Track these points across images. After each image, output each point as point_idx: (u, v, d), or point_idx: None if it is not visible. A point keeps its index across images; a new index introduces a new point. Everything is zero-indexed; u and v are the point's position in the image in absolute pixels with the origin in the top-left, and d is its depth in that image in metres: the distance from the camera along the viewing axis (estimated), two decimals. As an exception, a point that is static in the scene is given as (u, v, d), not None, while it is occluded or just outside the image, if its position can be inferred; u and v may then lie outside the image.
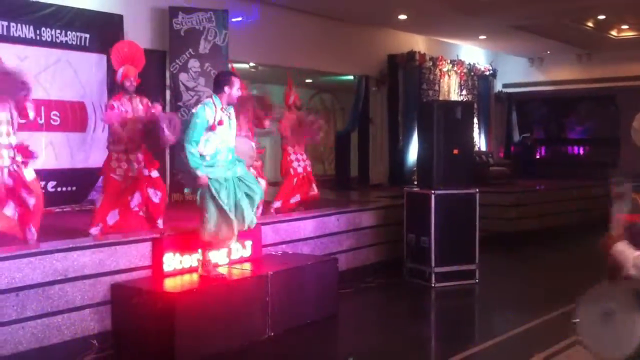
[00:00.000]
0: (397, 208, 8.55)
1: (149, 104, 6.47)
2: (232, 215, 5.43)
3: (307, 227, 7.54)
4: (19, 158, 5.45)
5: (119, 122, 6.17)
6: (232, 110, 5.59)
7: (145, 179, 6.35)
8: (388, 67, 13.71)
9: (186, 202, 9.29)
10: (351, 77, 14.05)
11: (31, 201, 5.46)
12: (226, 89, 5.45)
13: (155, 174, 6.44)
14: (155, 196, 6.41)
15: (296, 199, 8.20)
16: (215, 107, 5.37)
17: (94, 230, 6.15)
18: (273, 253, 6.82)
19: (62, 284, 5.07)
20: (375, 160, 13.84)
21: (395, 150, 13.57)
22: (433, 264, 7.64)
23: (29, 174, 5.50)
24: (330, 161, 15.35)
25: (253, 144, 6.86)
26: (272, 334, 5.77)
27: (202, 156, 5.37)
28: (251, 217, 5.59)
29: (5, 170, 5.36)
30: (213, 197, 5.38)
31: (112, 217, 6.34)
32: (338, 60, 12.84)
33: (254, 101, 7.41)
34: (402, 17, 12.50)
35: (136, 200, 6.37)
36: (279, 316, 5.86)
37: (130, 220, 6.40)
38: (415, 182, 9.08)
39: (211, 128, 5.32)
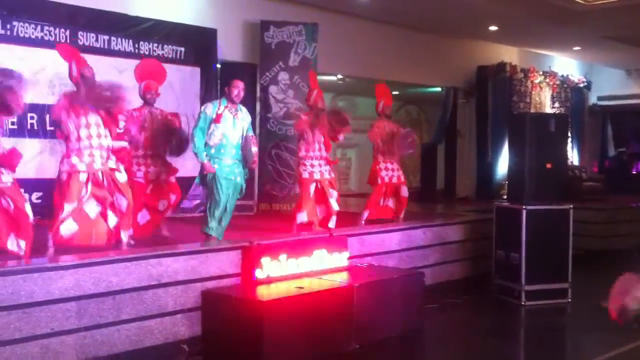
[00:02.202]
0: (486, 223, 8.38)
1: (168, 116, 6.97)
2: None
3: (392, 239, 7.49)
4: (112, 162, 5.71)
5: (137, 128, 6.63)
6: (242, 111, 6.50)
7: (164, 182, 6.88)
8: (477, 78, 13.49)
9: (273, 211, 9.46)
10: (439, 89, 13.90)
11: (123, 203, 5.70)
12: (226, 89, 6.50)
13: (172, 179, 6.97)
14: (171, 199, 6.92)
15: (387, 202, 8.19)
16: (220, 105, 6.36)
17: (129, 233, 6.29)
18: (359, 265, 6.81)
19: (155, 289, 5.24)
20: (462, 173, 13.63)
21: (483, 163, 13.32)
22: (523, 282, 7.43)
23: (121, 177, 5.76)
24: (415, 173, 15.22)
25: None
26: (358, 346, 5.77)
27: (208, 146, 6.31)
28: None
29: (99, 174, 5.61)
30: (219, 192, 6.29)
31: (143, 217, 6.78)
32: (426, 72, 12.76)
33: (328, 115, 7.47)
34: (493, 28, 12.29)
35: (162, 204, 6.90)
36: (365, 328, 5.85)
37: (157, 221, 6.93)
38: (505, 197, 8.89)
39: (214, 120, 6.27)
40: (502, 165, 12.29)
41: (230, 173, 6.39)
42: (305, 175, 7.36)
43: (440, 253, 8.06)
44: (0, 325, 4.33)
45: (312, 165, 7.36)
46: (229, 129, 6.34)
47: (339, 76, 12.10)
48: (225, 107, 6.35)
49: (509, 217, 7.65)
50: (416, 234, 7.78)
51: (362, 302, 5.85)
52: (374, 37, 11.49)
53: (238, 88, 6.40)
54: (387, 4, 10.54)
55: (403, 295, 6.38)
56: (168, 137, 6.88)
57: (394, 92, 15.63)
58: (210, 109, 6.32)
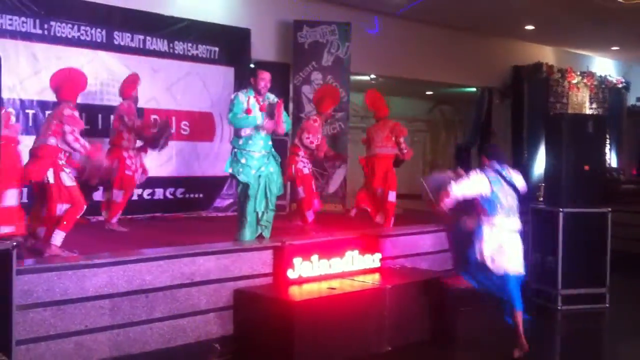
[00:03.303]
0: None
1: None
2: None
3: (425, 241, 7.42)
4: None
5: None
6: (269, 99, 6.15)
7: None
8: (513, 78, 13.30)
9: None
10: (473, 89, 13.75)
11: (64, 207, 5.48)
12: (252, 80, 6.19)
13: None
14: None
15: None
16: (249, 96, 6.05)
17: (115, 220, 7.20)
18: (391, 266, 6.75)
19: (188, 287, 5.25)
20: (497, 175, 13.43)
21: (518, 165, 13.07)
22: (559, 286, 7.30)
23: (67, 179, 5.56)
24: (449, 174, 15.09)
25: None
26: (390, 348, 5.71)
27: (237, 137, 6.11)
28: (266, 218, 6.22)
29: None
30: (249, 198, 6.06)
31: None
32: (460, 72, 12.62)
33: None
34: (529, 27, 12.12)
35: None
36: (397, 331, 5.79)
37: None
38: (541, 199, 8.76)
39: (246, 111, 5.99)
40: (538, 167, 12.09)
41: (258, 165, 6.11)
42: (306, 171, 7.52)
43: (474, 255, 7.94)
44: (36, 321, 4.38)
45: (304, 162, 7.53)
46: (258, 120, 6.08)
47: (372, 76, 12.03)
48: (254, 97, 6.09)
49: (545, 220, 7.53)
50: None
51: (394, 304, 5.80)
52: (408, 36, 11.40)
53: (265, 80, 6.10)
54: (422, 2, 10.44)
55: (436, 297, 6.30)
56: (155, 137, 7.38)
57: (427, 92, 15.59)
58: (243, 97, 6.05)
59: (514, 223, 5.77)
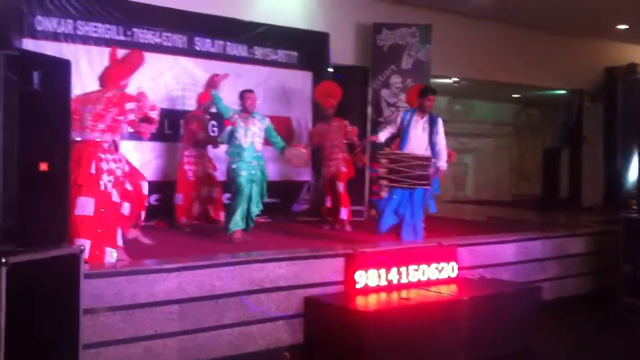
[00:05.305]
0: (612, 235, 7.78)
1: None
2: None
3: (507, 251, 7.11)
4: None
5: None
6: (256, 120, 6.80)
7: None
8: (605, 80, 12.71)
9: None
10: (563, 92, 13.22)
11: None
12: (240, 101, 6.88)
13: None
14: None
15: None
16: (238, 114, 6.76)
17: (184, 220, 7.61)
18: (469, 277, 6.50)
19: (258, 294, 5.19)
20: (588, 181, 12.88)
21: (612, 170, 12.50)
22: (654, 300, 6.85)
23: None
24: (537, 179, 14.55)
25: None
26: (466, 362, 5.48)
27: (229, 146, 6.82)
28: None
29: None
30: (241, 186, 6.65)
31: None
32: (548, 74, 12.15)
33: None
34: (622, 27, 11.52)
35: None
36: (475, 344, 5.54)
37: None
38: (635, 207, 8.27)
39: (228, 122, 6.78)
40: (634, 173, 11.46)
41: (248, 169, 6.69)
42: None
43: (561, 266, 7.57)
44: (105, 325, 4.43)
45: None
46: (242, 136, 6.71)
47: (455, 79, 11.74)
48: (239, 114, 6.75)
49: (639, 229, 7.07)
50: (534, 246, 7.36)
51: (471, 317, 5.54)
52: (492, 38, 11.05)
53: (251, 99, 6.77)
54: (507, 2, 10.09)
55: (517, 310, 6.00)
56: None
57: (514, 95, 15.10)
58: (229, 111, 6.80)
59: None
